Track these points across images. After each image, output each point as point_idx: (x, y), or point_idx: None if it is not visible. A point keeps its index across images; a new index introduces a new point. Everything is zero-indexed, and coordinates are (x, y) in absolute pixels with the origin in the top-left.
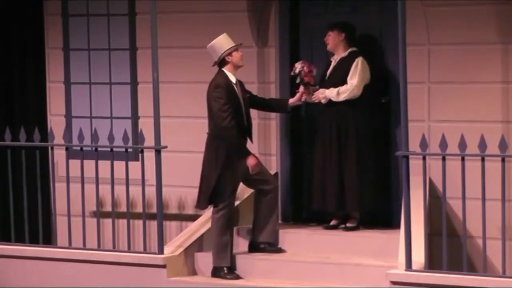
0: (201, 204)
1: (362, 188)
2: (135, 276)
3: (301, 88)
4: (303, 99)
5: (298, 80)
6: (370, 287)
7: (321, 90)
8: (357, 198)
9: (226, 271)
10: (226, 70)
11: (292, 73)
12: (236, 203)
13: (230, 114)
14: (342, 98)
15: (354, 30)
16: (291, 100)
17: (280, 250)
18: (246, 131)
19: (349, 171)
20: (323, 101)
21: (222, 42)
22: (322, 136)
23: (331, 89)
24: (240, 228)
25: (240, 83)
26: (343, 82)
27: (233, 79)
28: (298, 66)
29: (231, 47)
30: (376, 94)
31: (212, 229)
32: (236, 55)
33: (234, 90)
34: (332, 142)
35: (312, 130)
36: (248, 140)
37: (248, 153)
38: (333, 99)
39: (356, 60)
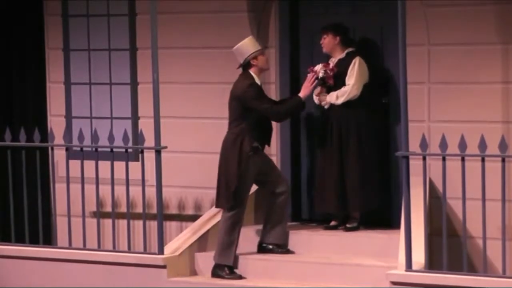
0: (223, 203)
1: (364, 189)
2: (135, 277)
3: (320, 90)
4: (316, 101)
5: (319, 83)
6: (370, 287)
7: (321, 96)
8: (360, 198)
9: (227, 271)
10: (251, 72)
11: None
12: None
13: (271, 106)
14: (341, 101)
15: (348, 31)
16: (302, 94)
17: (288, 252)
18: (268, 135)
19: (351, 172)
20: (326, 106)
21: (248, 45)
22: (324, 137)
23: (331, 93)
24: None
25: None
26: (344, 83)
27: (258, 81)
28: (320, 70)
29: (257, 50)
30: (376, 95)
31: (221, 227)
32: (261, 59)
33: (263, 91)
34: (333, 144)
35: (313, 131)
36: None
37: (298, 97)
38: (334, 103)
39: (353, 61)
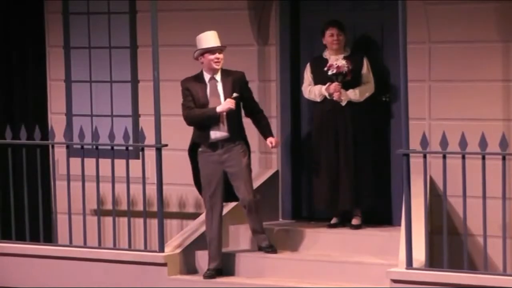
0: None
1: (361, 186)
2: (136, 274)
3: (336, 87)
4: (336, 97)
5: (340, 79)
6: (371, 286)
7: (342, 92)
8: (360, 195)
9: (205, 271)
10: (203, 68)
11: (334, 72)
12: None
13: (186, 108)
14: (364, 97)
15: None
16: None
17: (273, 250)
18: (206, 133)
19: (362, 170)
20: (343, 103)
21: (201, 39)
22: (332, 134)
23: (350, 90)
24: (241, 226)
25: (231, 81)
26: (354, 80)
27: (206, 77)
28: (345, 64)
29: (202, 48)
30: (377, 92)
31: None
32: (207, 57)
33: (202, 89)
34: (346, 141)
35: (315, 130)
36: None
37: (214, 109)
38: (355, 100)
39: (364, 60)
